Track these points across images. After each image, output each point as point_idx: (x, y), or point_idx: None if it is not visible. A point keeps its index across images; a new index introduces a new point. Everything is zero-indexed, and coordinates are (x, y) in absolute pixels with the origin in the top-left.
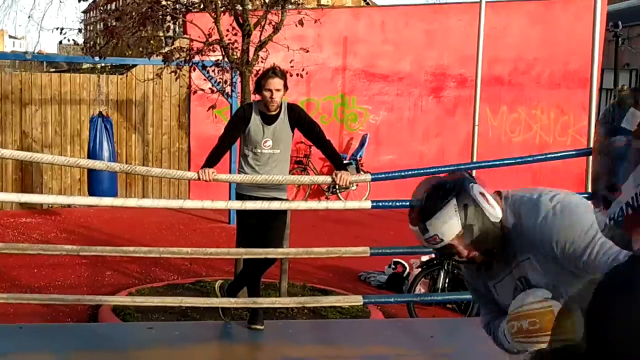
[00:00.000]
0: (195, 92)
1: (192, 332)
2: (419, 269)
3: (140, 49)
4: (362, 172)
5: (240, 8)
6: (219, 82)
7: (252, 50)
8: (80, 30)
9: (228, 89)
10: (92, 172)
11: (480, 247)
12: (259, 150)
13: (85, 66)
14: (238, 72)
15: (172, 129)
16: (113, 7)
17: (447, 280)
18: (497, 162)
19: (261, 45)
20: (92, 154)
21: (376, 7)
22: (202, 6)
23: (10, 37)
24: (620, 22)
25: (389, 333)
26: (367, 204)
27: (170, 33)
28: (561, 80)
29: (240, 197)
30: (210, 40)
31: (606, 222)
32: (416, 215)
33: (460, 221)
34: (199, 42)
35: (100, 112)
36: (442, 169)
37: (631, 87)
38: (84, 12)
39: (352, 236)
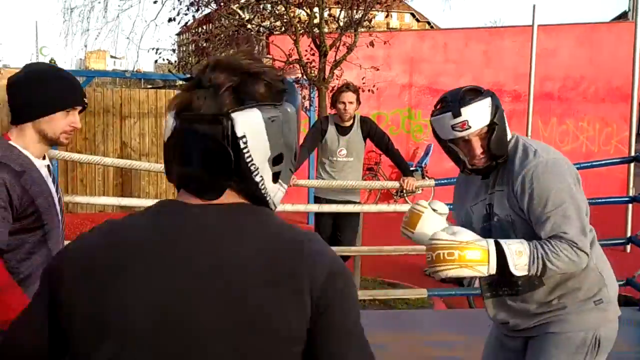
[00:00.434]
0: None
1: None
2: None
3: None
4: (426, 178)
5: (318, 31)
6: None
7: (328, 68)
8: (174, 50)
9: (307, 104)
10: None
11: (491, 150)
12: (334, 159)
13: (178, 83)
14: (315, 88)
15: None
16: (203, 29)
17: None
18: None
19: (336, 64)
20: None
21: (439, 30)
22: (283, 29)
23: (112, 57)
24: None
25: (450, 322)
26: None
27: (255, 53)
28: (605, 95)
29: (318, 200)
30: (290, 59)
31: None
32: (452, 102)
33: (490, 116)
34: (280, 61)
35: None
36: None
37: None
38: (177, 34)
39: None
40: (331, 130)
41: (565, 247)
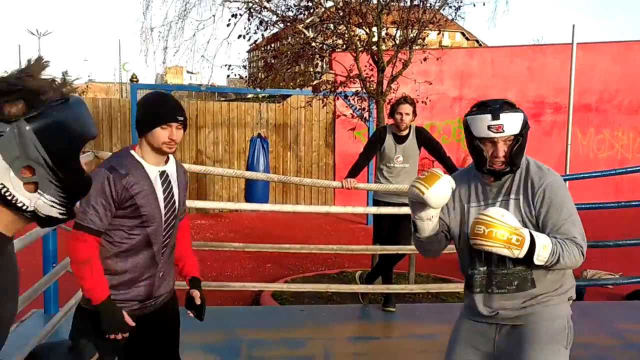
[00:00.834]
0: (339, 117)
1: (337, 314)
2: None
3: (293, 82)
4: None
5: (376, 48)
6: (359, 108)
7: (385, 82)
8: (244, 66)
9: (366, 115)
10: (249, 183)
11: (512, 156)
12: (391, 165)
13: (249, 96)
14: (374, 101)
15: (320, 147)
16: (271, 47)
17: None
18: (587, 175)
19: (393, 78)
20: (250, 168)
21: (487, 47)
22: (344, 47)
23: (188, 72)
24: None
25: None
26: None
27: (319, 69)
28: (639, 107)
29: (376, 203)
30: (351, 74)
31: None
32: (493, 108)
33: (519, 128)
34: (341, 76)
35: (259, 134)
36: None
37: None
38: (248, 51)
39: None
40: (389, 139)
41: (574, 248)
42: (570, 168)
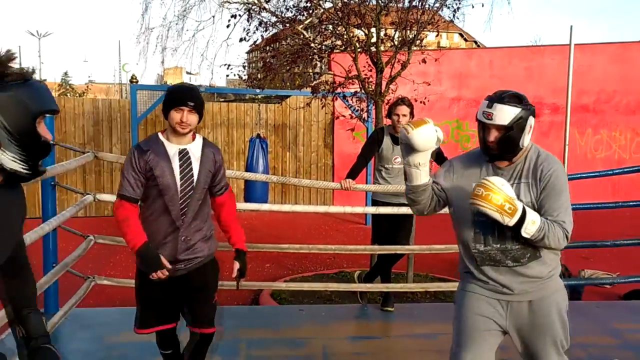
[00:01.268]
0: (337, 117)
1: (335, 313)
2: None
3: (292, 83)
4: None
5: (374, 49)
6: (357, 109)
7: (384, 83)
8: (244, 66)
9: (364, 115)
10: (248, 183)
11: (502, 143)
12: (389, 166)
13: (248, 97)
14: (372, 101)
15: (319, 148)
16: (270, 48)
17: None
18: (584, 175)
19: (391, 79)
20: (249, 168)
21: (485, 48)
22: (343, 48)
23: (187, 73)
24: None
25: None
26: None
27: (317, 69)
28: (636, 108)
29: (375, 203)
30: (350, 75)
31: None
32: (495, 97)
33: (509, 121)
34: (340, 77)
35: (258, 134)
36: None
37: None
38: (247, 52)
39: None
40: (386, 140)
41: (560, 232)
42: (567, 168)
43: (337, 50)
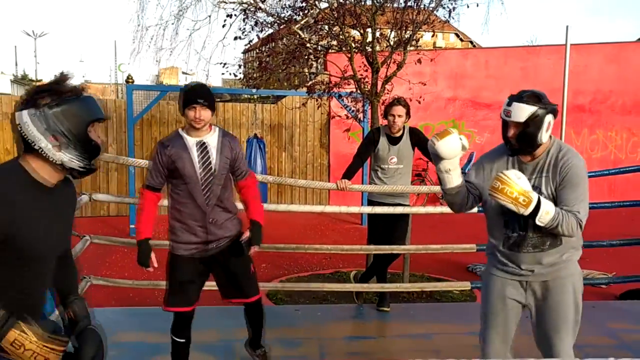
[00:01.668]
0: (333, 117)
1: (331, 313)
2: None
3: (288, 83)
4: None
5: (370, 49)
6: (353, 109)
7: (379, 83)
8: (240, 66)
9: (360, 115)
10: None
11: (520, 138)
12: (385, 166)
13: (244, 97)
14: (368, 102)
15: (315, 148)
16: (266, 47)
17: None
18: None
19: (387, 79)
20: None
21: (481, 49)
22: (339, 48)
23: (183, 73)
24: None
25: None
26: (474, 210)
27: (313, 69)
28: (632, 108)
29: (371, 203)
30: (345, 75)
31: None
32: (515, 95)
33: (525, 118)
34: (336, 77)
35: (255, 134)
36: None
37: None
38: (243, 52)
39: (462, 235)
40: (382, 140)
41: (574, 222)
42: None
43: (333, 51)
